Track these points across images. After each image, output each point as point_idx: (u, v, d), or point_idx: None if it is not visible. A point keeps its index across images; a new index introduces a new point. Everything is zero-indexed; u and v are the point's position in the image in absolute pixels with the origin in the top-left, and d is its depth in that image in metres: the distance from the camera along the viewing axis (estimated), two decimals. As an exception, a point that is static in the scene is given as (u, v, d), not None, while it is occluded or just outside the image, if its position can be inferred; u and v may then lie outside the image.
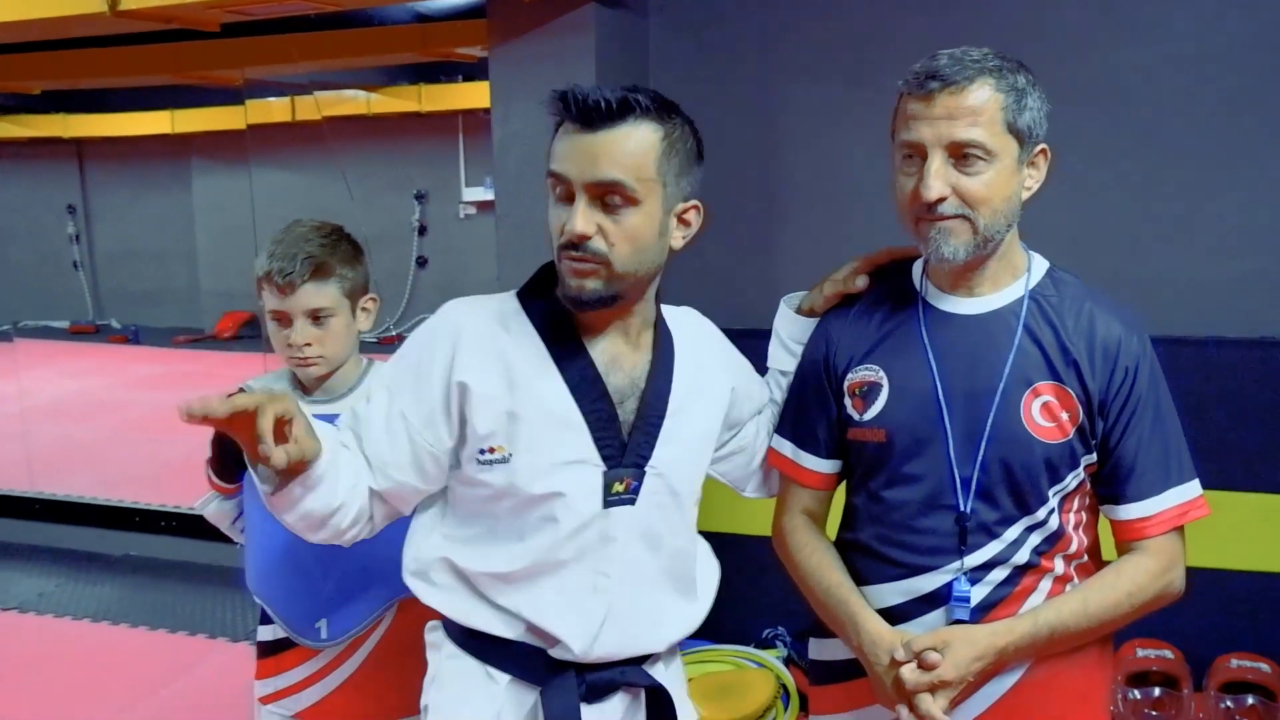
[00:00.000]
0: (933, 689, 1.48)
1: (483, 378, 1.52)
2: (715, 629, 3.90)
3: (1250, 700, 3.17)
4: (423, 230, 11.01)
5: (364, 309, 2.07)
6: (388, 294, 11.44)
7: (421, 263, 10.96)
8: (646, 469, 1.57)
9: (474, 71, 9.70)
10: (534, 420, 1.53)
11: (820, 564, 1.68)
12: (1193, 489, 1.63)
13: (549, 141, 1.58)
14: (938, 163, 1.52)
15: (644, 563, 1.61)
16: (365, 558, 1.93)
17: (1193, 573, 3.20)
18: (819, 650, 1.77)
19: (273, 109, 11.11)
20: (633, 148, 1.46)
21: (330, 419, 1.88)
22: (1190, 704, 3.20)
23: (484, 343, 1.55)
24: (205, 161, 12.35)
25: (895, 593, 1.60)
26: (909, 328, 1.62)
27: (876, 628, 1.57)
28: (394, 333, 11.09)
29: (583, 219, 1.45)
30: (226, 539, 4.79)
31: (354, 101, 10.32)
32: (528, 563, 1.54)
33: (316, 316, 1.98)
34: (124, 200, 12.96)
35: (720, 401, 1.70)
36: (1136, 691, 3.24)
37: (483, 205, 10.93)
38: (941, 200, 1.52)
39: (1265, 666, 3.20)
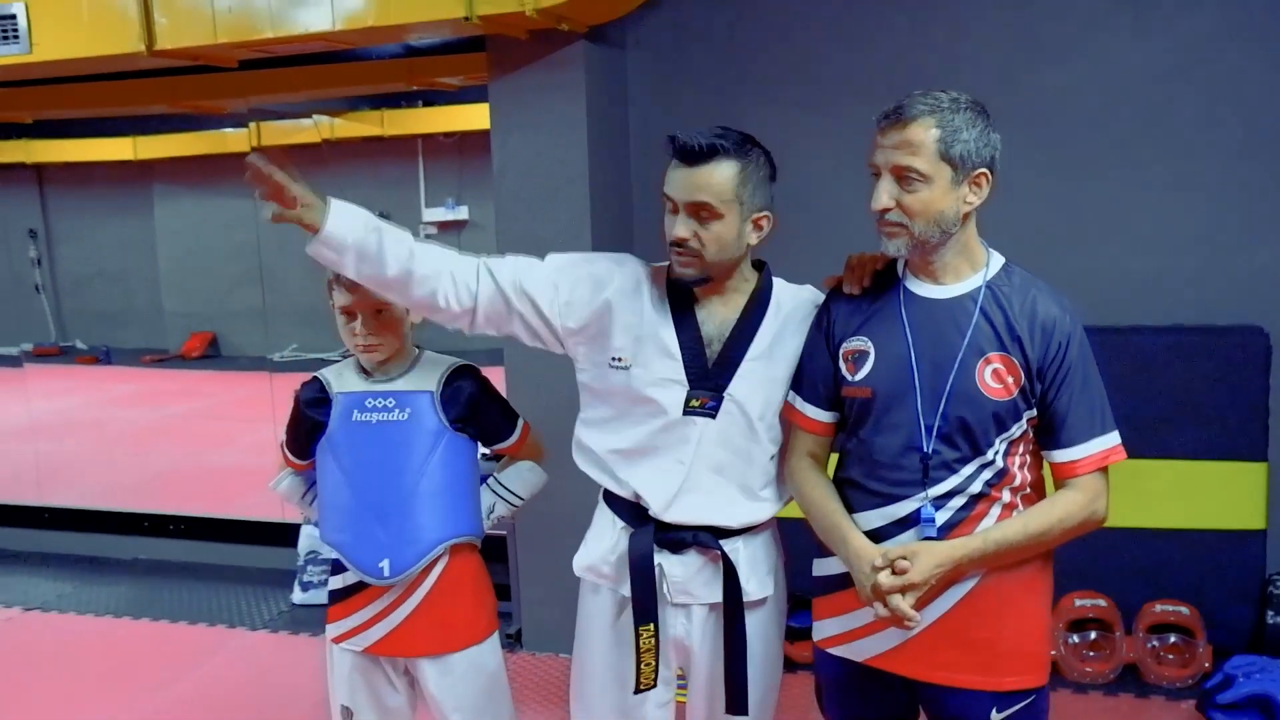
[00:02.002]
0: (902, 590, 1.86)
1: (627, 306, 2.12)
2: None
3: (1173, 639, 3.63)
4: (425, 242, 11.26)
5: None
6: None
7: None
8: (725, 394, 2.08)
9: (433, 98, 10.02)
10: (649, 345, 2.10)
11: (820, 495, 2.06)
12: (1113, 439, 1.99)
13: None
14: (886, 182, 1.91)
15: (716, 460, 2.10)
16: (417, 508, 2.29)
17: (1120, 532, 3.71)
18: (821, 568, 2.13)
19: (230, 139, 11.31)
20: (718, 179, 2.02)
21: (388, 395, 2.34)
22: (1122, 645, 3.65)
23: (633, 286, 2.15)
24: (167, 186, 12.51)
25: (877, 517, 1.98)
26: (892, 308, 2.01)
27: (861, 543, 1.95)
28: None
29: (682, 227, 2.04)
30: (235, 539, 5.12)
31: (317, 128, 10.58)
32: (631, 444, 2.13)
33: (377, 311, 2.29)
34: (86, 224, 13.02)
35: (789, 354, 2.15)
36: (1075, 636, 3.68)
37: (443, 225, 11.22)
38: (887, 210, 1.92)
39: (1185, 609, 3.65)
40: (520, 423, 2.51)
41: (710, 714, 2.24)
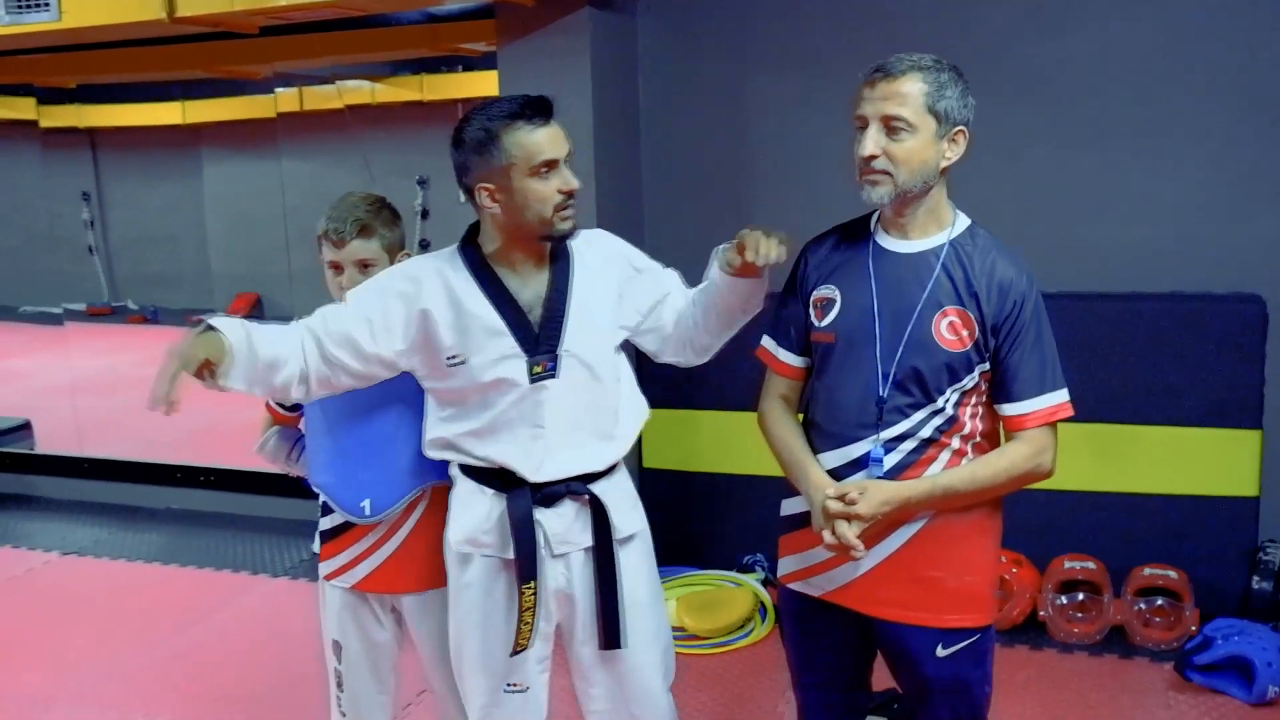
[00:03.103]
0: (848, 518, 1.97)
1: (441, 306, 2.15)
2: (701, 556, 4.43)
3: (1160, 602, 3.68)
4: (425, 214, 11.41)
5: (400, 262, 2.47)
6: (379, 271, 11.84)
7: (424, 245, 11.36)
8: (560, 352, 2.15)
9: (473, 63, 10.10)
10: (476, 332, 2.14)
11: (787, 434, 2.19)
12: (1061, 395, 2.07)
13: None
14: (874, 130, 2.01)
15: (571, 415, 2.19)
16: (398, 450, 2.37)
17: (1113, 496, 3.77)
18: (786, 509, 2.25)
19: (282, 100, 11.49)
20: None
21: None
22: (1110, 607, 3.70)
23: (439, 286, 2.16)
24: (216, 150, 12.75)
25: (834, 458, 2.09)
26: (861, 259, 2.11)
27: (818, 476, 2.07)
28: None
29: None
30: (262, 490, 5.30)
31: (360, 91, 10.73)
32: (486, 423, 2.18)
33: (363, 266, 2.38)
34: (136, 188, 13.32)
35: (610, 297, 2.24)
36: (1064, 597, 3.74)
37: (482, 189, 11.35)
38: (874, 157, 2.01)
39: (1173, 573, 3.70)
40: None
41: (603, 660, 2.30)
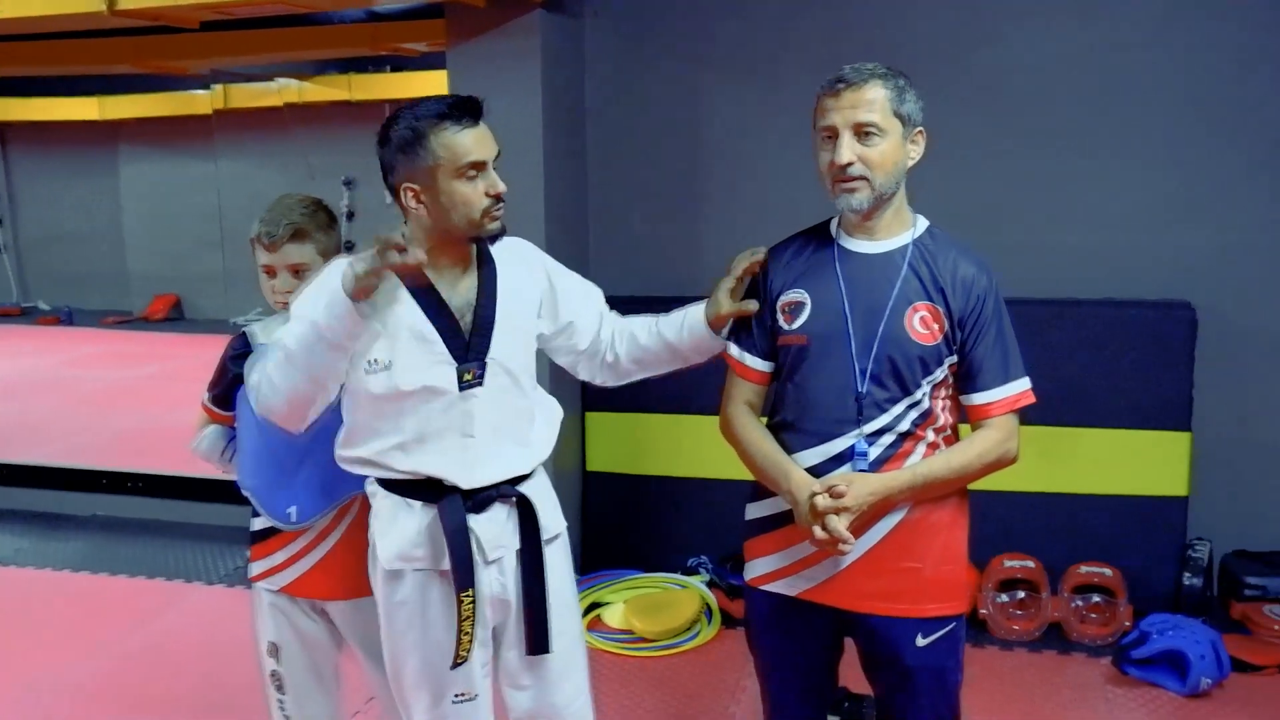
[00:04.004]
0: (838, 512, 2.01)
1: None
2: (647, 559, 4.45)
3: (1096, 599, 3.79)
4: (351, 215, 11.28)
5: (330, 266, 2.43)
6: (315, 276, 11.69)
7: (349, 247, 11.22)
8: (486, 360, 2.12)
9: (403, 63, 10.04)
10: (404, 338, 2.08)
11: (758, 438, 2.21)
12: (1023, 384, 2.16)
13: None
14: (847, 138, 2.07)
15: (494, 422, 2.16)
16: (328, 457, 2.30)
17: (1050, 496, 3.87)
18: (753, 511, 2.27)
19: (197, 100, 11.27)
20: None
21: None
22: (1048, 604, 3.80)
23: None
24: (134, 147, 12.45)
25: (814, 455, 2.12)
26: (826, 262, 2.16)
27: (801, 476, 2.10)
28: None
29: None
30: (193, 496, 5.19)
31: (286, 90, 10.56)
32: (411, 435, 2.12)
33: (296, 270, 2.34)
34: (49, 185, 12.95)
35: (532, 305, 2.23)
36: (1004, 595, 3.83)
37: (410, 191, 11.25)
38: (850, 164, 2.07)
39: (1108, 571, 3.81)
40: None
41: (531, 664, 2.28)
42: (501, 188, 2.07)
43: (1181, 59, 3.81)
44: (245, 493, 2.45)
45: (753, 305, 2.22)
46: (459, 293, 2.14)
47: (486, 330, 2.14)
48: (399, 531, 2.18)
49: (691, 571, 4.28)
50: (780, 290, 2.20)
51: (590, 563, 4.35)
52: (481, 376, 2.13)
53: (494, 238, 2.12)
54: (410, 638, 2.20)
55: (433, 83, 9.97)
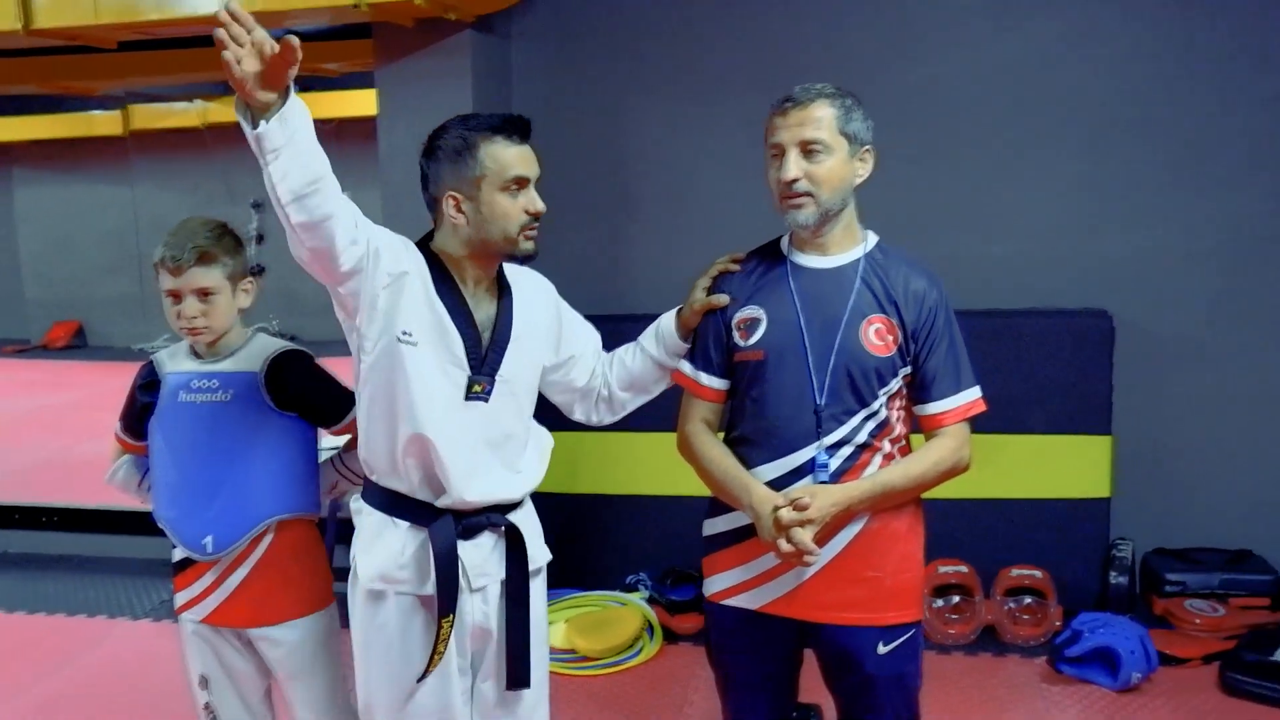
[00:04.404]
0: (802, 524, 2.03)
1: (417, 284, 2.08)
2: (586, 577, 4.44)
3: (1027, 600, 3.89)
4: (260, 239, 11.09)
5: (244, 290, 2.38)
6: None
7: (258, 270, 11.02)
8: (496, 377, 2.13)
9: (310, 83, 9.91)
10: (432, 328, 2.08)
11: (718, 455, 2.23)
12: (975, 393, 2.23)
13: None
14: (794, 155, 2.12)
15: (491, 440, 2.15)
16: (239, 487, 2.33)
17: (980, 502, 3.97)
18: (712, 527, 2.29)
19: (97, 121, 10.99)
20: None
21: (213, 376, 2.35)
22: (982, 608, 3.90)
23: (419, 267, 2.10)
24: (28, 171, 12.06)
25: (774, 469, 2.15)
26: (780, 278, 2.20)
27: (763, 490, 2.12)
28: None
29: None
30: (113, 529, 5.03)
31: (197, 113, 10.35)
32: (416, 432, 2.08)
33: (204, 294, 2.31)
34: (-64, 209, 12.49)
35: (544, 334, 2.25)
36: (940, 600, 3.91)
37: (320, 212, 11.10)
38: (796, 180, 2.12)
39: (1038, 573, 3.92)
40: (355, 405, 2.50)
41: (505, 697, 2.26)
42: (540, 207, 2.10)
43: (1097, 75, 3.96)
44: (160, 524, 2.42)
45: (723, 299, 2.24)
46: (482, 309, 2.15)
47: (501, 348, 2.15)
48: (383, 550, 2.16)
49: (631, 589, 4.28)
50: (734, 309, 2.23)
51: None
52: (489, 392, 2.13)
53: (528, 257, 2.13)
54: (389, 663, 2.17)
55: (344, 103, 9.89)
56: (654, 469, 4.25)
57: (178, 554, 2.43)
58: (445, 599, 2.10)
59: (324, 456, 2.54)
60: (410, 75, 3.88)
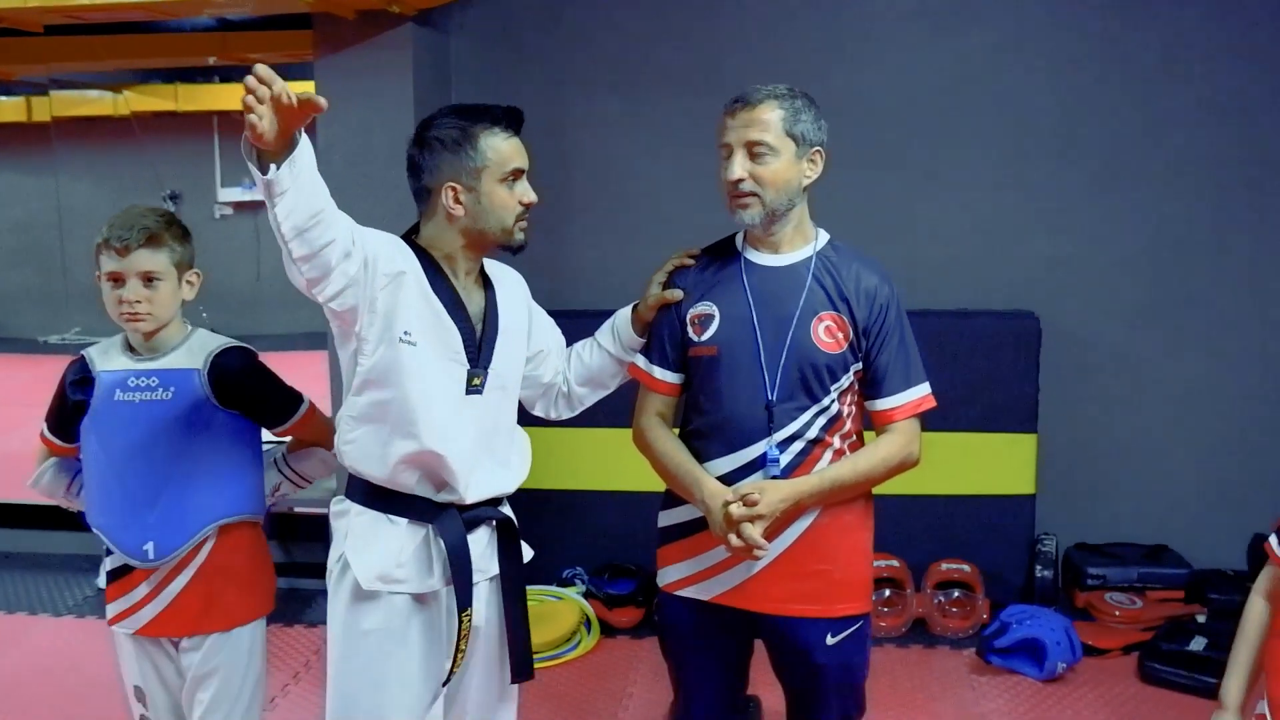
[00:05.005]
0: (752, 520, 2.07)
1: (413, 283, 2.05)
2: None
3: (956, 594, 3.99)
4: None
5: (189, 282, 2.31)
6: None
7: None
8: (489, 370, 2.13)
9: (230, 73, 9.72)
10: (431, 325, 2.07)
11: (671, 448, 2.26)
12: (924, 389, 2.28)
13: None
14: (739, 156, 2.15)
15: (485, 434, 2.15)
16: (182, 490, 2.26)
17: (911, 498, 4.06)
18: (666, 519, 2.33)
19: (3, 108, 10.66)
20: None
21: (151, 374, 2.26)
22: (913, 601, 3.99)
23: (413, 264, 2.07)
24: (-67, 157, 11.63)
25: (726, 463, 2.19)
26: (734, 275, 2.24)
27: (714, 485, 2.16)
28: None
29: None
30: (31, 524, 4.89)
31: (115, 102, 10.07)
32: (419, 430, 2.06)
33: (148, 279, 2.23)
34: None
35: (524, 327, 2.26)
36: (872, 595, 3.98)
37: (240, 205, 10.88)
38: (741, 180, 2.15)
39: (966, 567, 4.02)
40: (303, 405, 2.43)
41: (486, 692, 2.24)
42: (533, 198, 2.13)
43: (1027, 84, 4.09)
44: (96, 531, 2.32)
45: (677, 294, 2.26)
46: (474, 301, 2.15)
47: (492, 341, 2.15)
48: (381, 550, 2.10)
49: (567, 583, 4.30)
50: (688, 304, 2.26)
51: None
52: (484, 385, 2.13)
53: (520, 248, 2.14)
54: (381, 667, 2.11)
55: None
56: (591, 464, 4.27)
57: (112, 561, 2.34)
58: (464, 592, 2.08)
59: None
60: (350, 68, 3.84)
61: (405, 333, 2.04)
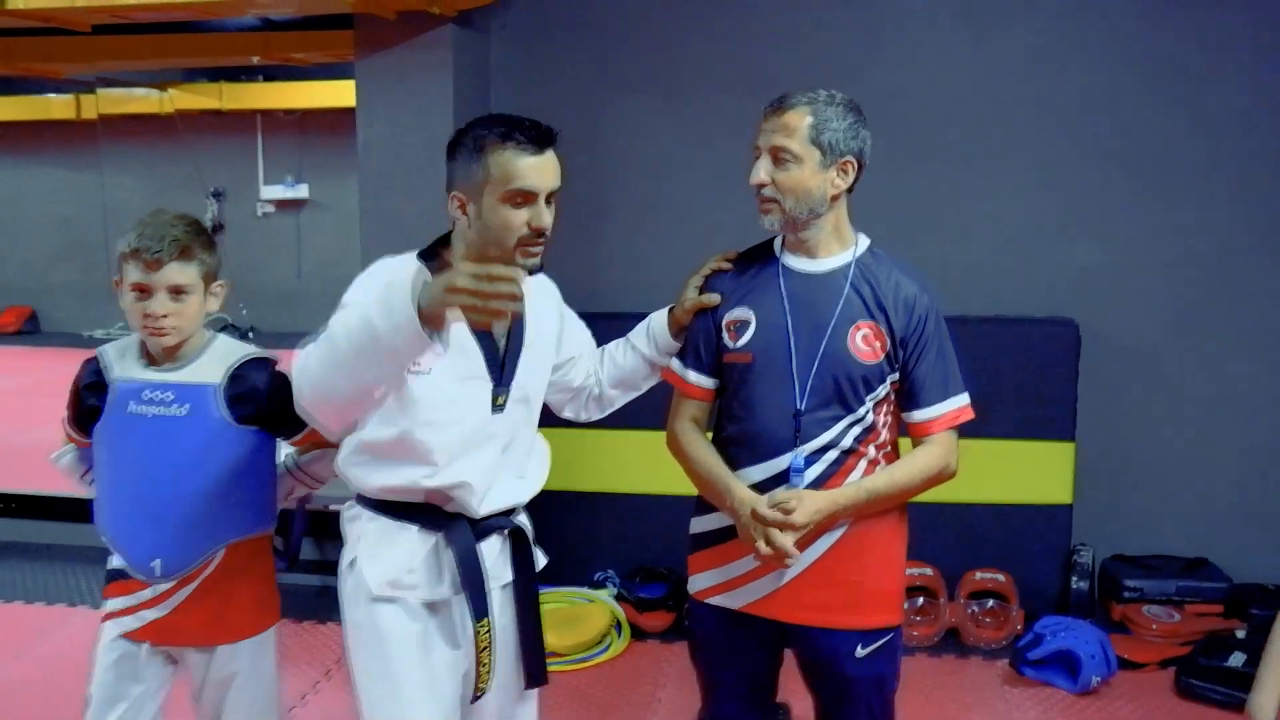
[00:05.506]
0: (783, 527, 2.06)
1: None
2: (554, 573, 4.40)
3: (990, 604, 3.95)
4: (218, 228, 10.97)
5: (213, 293, 2.25)
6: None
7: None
8: (512, 385, 2.08)
9: (274, 73, 9.83)
10: (452, 345, 1.92)
11: (704, 454, 2.24)
12: (963, 399, 2.24)
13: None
14: (764, 161, 2.13)
15: (507, 450, 2.11)
16: (193, 508, 2.19)
17: (945, 506, 4.02)
18: (698, 526, 2.30)
19: (54, 105, 10.83)
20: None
21: (167, 388, 2.20)
22: (945, 610, 3.95)
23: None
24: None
25: (759, 471, 2.16)
26: (771, 281, 2.21)
27: (744, 492, 2.14)
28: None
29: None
30: (69, 517, 4.95)
31: (161, 100, 10.19)
32: (435, 454, 2.02)
33: (177, 292, 2.17)
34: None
35: (553, 339, 2.21)
36: (905, 602, 3.94)
37: (282, 203, 11.00)
38: (763, 185, 2.13)
39: (1001, 577, 3.98)
40: None
41: (504, 696, 2.20)
42: (545, 223, 2.01)
43: (1066, 87, 4.04)
44: (103, 536, 2.28)
45: (715, 298, 2.24)
46: None
47: (516, 356, 2.09)
48: (393, 555, 2.07)
49: (598, 585, 4.29)
50: (725, 309, 2.24)
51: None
52: (506, 403, 2.07)
53: (529, 273, 2.01)
54: (407, 668, 2.07)
55: (308, 93, 9.83)
56: (625, 467, 4.27)
57: (115, 561, 2.29)
58: (478, 601, 2.05)
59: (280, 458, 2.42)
60: (390, 68, 3.87)
61: (414, 362, 1.93)
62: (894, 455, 2.23)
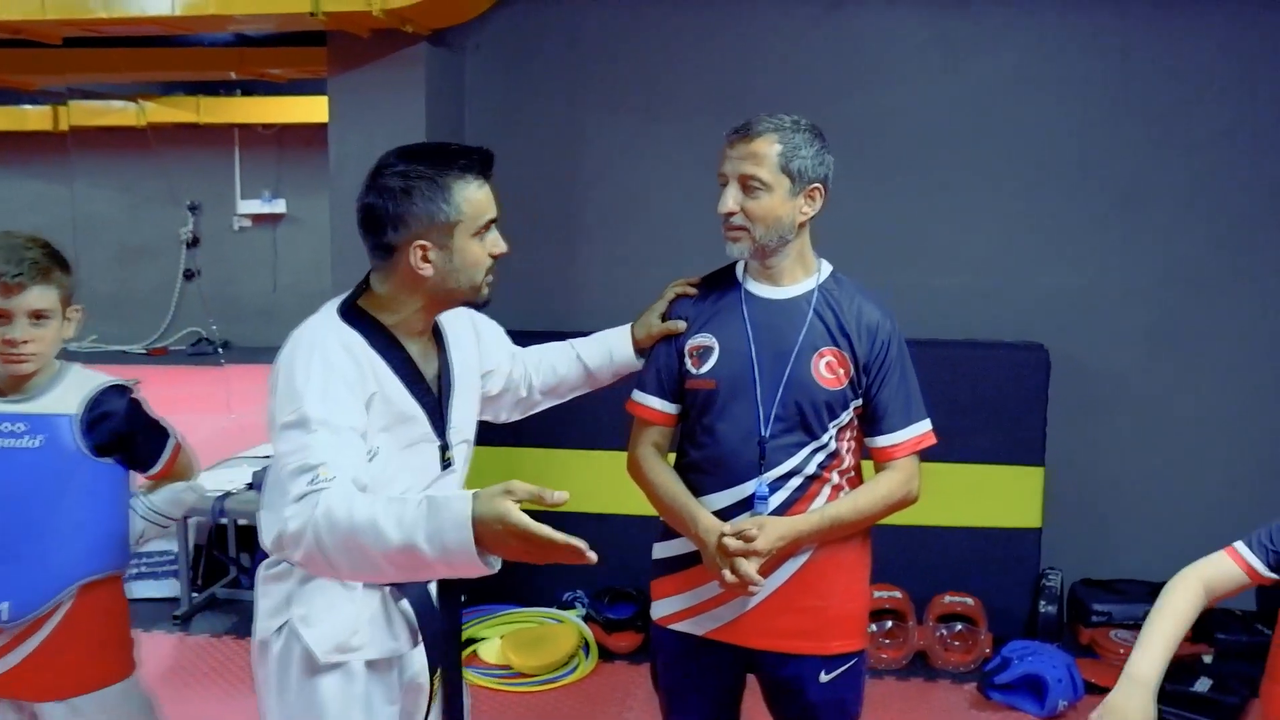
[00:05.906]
0: (747, 555, 2.04)
1: (372, 383, 1.86)
2: (522, 593, 4.42)
3: (959, 627, 3.96)
4: (194, 242, 10.91)
5: (68, 318, 2.15)
6: (154, 306, 11.17)
7: (189, 275, 10.79)
8: (450, 433, 1.98)
9: (252, 87, 9.81)
10: (390, 418, 1.88)
11: (666, 480, 2.23)
12: (924, 426, 2.23)
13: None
14: (733, 188, 2.11)
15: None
16: (46, 546, 2.08)
17: (915, 529, 4.03)
18: (661, 550, 2.29)
19: (29, 117, 10.76)
20: None
21: (19, 419, 2.08)
22: (914, 633, 3.95)
23: (363, 360, 1.86)
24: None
25: (723, 498, 2.15)
26: (734, 307, 2.20)
27: (709, 519, 2.12)
28: (160, 345, 10.89)
29: None
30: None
31: (124, 112, 10.13)
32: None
33: (38, 316, 2.06)
34: None
35: (476, 366, 2.11)
36: (873, 625, 3.96)
37: (258, 218, 10.95)
38: (732, 214, 2.12)
39: (969, 600, 3.99)
40: (171, 444, 2.26)
41: None
42: (504, 248, 1.94)
43: (1040, 115, 4.07)
44: None
45: (680, 325, 2.23)
46: (428, 364, 1.97)
47: (448, 399, 2.00)
48: (338, 616, 1.91)
49: (567, 606, 4.28)
50: (687, 335, 2.23)
51: (466, 598, 4.31)
52: (453, 458, 1.99)
53: (485, 303, 1.97)
54: None
55: (286, 108, 9.80)
56: (594, 487, 4.23)
57: None
58: (435, 653, 1.95)
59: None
60: (364, 85, 3.87)
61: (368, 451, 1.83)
62: (858, 480, 2.23)
